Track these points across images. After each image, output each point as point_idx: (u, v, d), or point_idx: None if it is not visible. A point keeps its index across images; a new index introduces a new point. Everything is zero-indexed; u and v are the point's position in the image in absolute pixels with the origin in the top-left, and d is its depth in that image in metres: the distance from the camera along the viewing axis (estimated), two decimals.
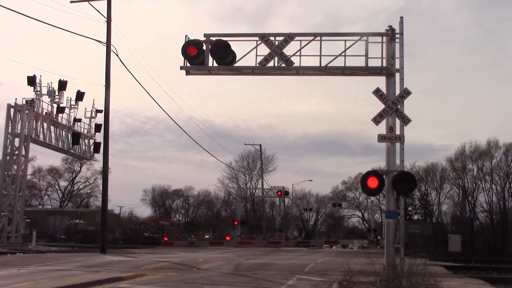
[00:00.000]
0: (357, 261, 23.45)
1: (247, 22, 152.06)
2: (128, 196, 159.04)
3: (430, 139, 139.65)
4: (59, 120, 46.05)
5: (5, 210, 41.23)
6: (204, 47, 17.14)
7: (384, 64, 16.52)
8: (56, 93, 45.35)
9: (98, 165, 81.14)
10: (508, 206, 70.56)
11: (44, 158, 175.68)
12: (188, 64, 17.32)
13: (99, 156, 52.19)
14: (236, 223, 66.14)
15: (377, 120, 15.89)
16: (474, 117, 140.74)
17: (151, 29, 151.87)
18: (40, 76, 44.12)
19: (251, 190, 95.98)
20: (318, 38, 17.09)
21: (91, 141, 50.81)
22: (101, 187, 41.39)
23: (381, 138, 15.85)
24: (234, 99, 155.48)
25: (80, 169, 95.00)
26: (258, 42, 16.98)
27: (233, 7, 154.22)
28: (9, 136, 41.71)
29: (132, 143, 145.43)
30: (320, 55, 16.86)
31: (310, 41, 17.07)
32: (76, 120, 48.20)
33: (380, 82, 16.68)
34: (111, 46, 35.41)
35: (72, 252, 37.01)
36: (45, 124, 44.54)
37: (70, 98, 46.99)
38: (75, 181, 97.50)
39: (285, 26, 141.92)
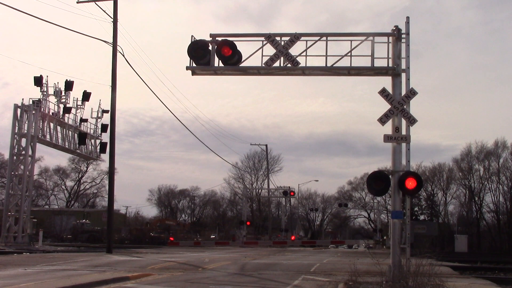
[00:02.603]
0: (363, 262, 23.43)
1: (252, 22, 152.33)
2: (134, 196, 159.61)
3: (436, 139, 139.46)
4: (66, 120, 46.23)
5: (12, 210, 41.42)
6: (210, 48, 17.16)
7: (390, 64, 16.48)
8: (63, 94, 45.53)
9: (104, 165, 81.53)
10: None
11: (51, 158, 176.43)
12: (194, 64, 17.33)
13: (105, 156, 52.41)
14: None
15: (383, 120, 15.87)
16: (480, 117, 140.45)
17: (156, 29, 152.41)
18: (47, 76, 44.37)
19: (257, 190, 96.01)
20: (324, 38, 17.07)
21: (98, 141, 50.96)
22: (107, 187, 41.53)
23: (387, 138, 15.81)
24: (239, 99, 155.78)
25: (87, 169, 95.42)
26: (264, 42, 16.96)
27: (237, 6, 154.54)
28: (16, 136, 41.89)
29: (138, 143, 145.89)
30: (326, 55, 16.84)
31: (316, 41, 17.05)
32: (83, 120, 48.36)
33: (386, 82, 16.66)
34: (117, 46, 35.53)
35: (79, 252, 37.12)
36: (51, 124, 44.70)
37: (77, 98, 47.18)
38: (82, 181, 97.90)
39: (290, 25, 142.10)
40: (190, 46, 17.03)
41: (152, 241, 61.16)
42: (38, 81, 43.52)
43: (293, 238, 72.65)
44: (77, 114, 47.49)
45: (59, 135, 45.88)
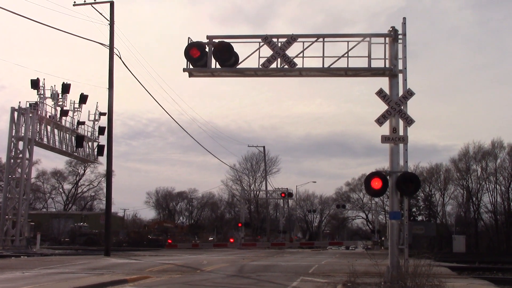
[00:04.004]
0: (361, 262, 23.42)
1: (248, 23, 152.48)
2: (132, 199, 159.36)
3: (434, 139, 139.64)
4: (63, 123, 46.21)
5: (9, 213, 41.35)
6: (207, 49, 17.14)
7: (387, 65, 16.50)
8: (60, 96, 45.54)
9: (102, 168, 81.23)
10: None
11: (48, 161, 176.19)
12: (191, 66, 17.31)
13: (102, 159, 52.28)
14: (240, 225, 66.14)
15: (380, 121, 15.87)
16: (477, 118, 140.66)
17: (153, 31, 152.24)
18: (44, 79, 44.41)
19: (255, 192, 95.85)
20: (321, 39, 17.08)
21: (95, 144, 50.94)
22: (105, 190, 41.55)
23: (385, 139, 15.82)
24: (236, 100, 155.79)
25: (84, 172, 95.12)
26: (261, 43, 16.96)
27: (234, 8, 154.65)
28: (13, 139, 41.84)
29: (135, 145, 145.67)
30: (323, 56, 16.84)
31: (313, 42, 17.05)
32: (80, 123, 48.37)
33: (383, 83, 16.66)
34: (114, 48, 35.50)
35: (77, 255, 37.02)
36: (48, 127, 44.68)
37: (74, 101, 47.23)
38: (79, 184, 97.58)
39: (286, 26, 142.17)
40: (187, 48, 17.03)
41: (150, 244, 61.06)
42: (34, 84, 43.51)
43: (291, 239, 72.66)
44: (74, 117, 47.56)
45: (57, 138, 45.86)
